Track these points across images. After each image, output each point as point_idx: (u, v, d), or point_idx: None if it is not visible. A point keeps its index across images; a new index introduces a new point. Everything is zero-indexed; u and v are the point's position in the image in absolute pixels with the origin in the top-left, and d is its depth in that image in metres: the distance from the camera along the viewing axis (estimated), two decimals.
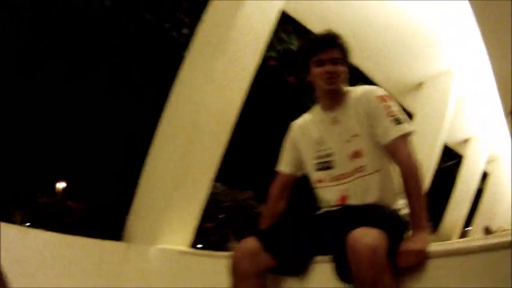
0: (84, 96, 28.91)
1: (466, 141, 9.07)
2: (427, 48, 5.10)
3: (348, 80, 1.60)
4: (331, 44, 1.55)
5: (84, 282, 2.41)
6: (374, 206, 1.49)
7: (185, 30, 4.65)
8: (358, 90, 1.58)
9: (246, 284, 1.44)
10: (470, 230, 12.05)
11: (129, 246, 2.68)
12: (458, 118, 6.80)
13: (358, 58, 5.50)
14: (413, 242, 1.29)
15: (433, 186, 5.88)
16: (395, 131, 1.46)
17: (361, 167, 1.52)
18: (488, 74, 2.74)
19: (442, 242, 1.47)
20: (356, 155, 1.53)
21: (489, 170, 11.01)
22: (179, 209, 2.75)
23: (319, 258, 1.50)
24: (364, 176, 1.52)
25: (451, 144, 9.42)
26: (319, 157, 1.62)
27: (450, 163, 10.79)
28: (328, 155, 1.59)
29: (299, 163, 1.72)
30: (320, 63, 1.55)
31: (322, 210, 1.63)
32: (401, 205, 1.51)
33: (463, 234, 10.97)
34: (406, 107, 6.91)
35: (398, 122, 1.47)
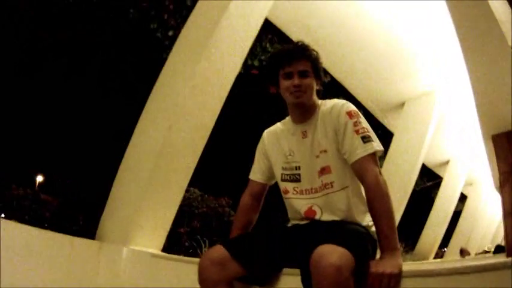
0: (73, 95, 28.73)
1: (445, 163, 9.19)
2: (411, 68, 5.17)
3: (321, 92, 1.54)
4: (297, 56, 1.47)
5: (53, 277, 2.35)
6: (342, 223, 1.44)
7: (170, 32, 4.61)
8: (328, 104, 1.52)
9: None
10: (446, 250, 12.19)
11: (101, 245, 2.62)
12: (439, 140, 6.89)
13: (341, 74, 5.55)
14: (383, 265, 1.22)
15: (411, 206, 5.90)
16: (363, 150, 1.40)
17: (329, 183, 1.48)
18: (470, 97, 2.75)
19: (417, 262, 1.43)
20: (324, 171, 1.48)
21: (467, 193, 11.19)
22: (152, 211, 2.71)
23: (287, 270, 1.46)
24: (332, 192, 1.47)
25: (431, 165, 9.54)
26: (287, 168, 1.57)
27: (430, 183, 10.93)
28: (296, 168, 1.54)
29: (270, 172, 1.66)
30: (288, 76, 1.48)
31: (292, 223, 1.58)
32: (371, 221, 1.45)
33: (439, 255, 11.08)
34: (387, 126, 6.98)
35: (366, 140, 1.41)
